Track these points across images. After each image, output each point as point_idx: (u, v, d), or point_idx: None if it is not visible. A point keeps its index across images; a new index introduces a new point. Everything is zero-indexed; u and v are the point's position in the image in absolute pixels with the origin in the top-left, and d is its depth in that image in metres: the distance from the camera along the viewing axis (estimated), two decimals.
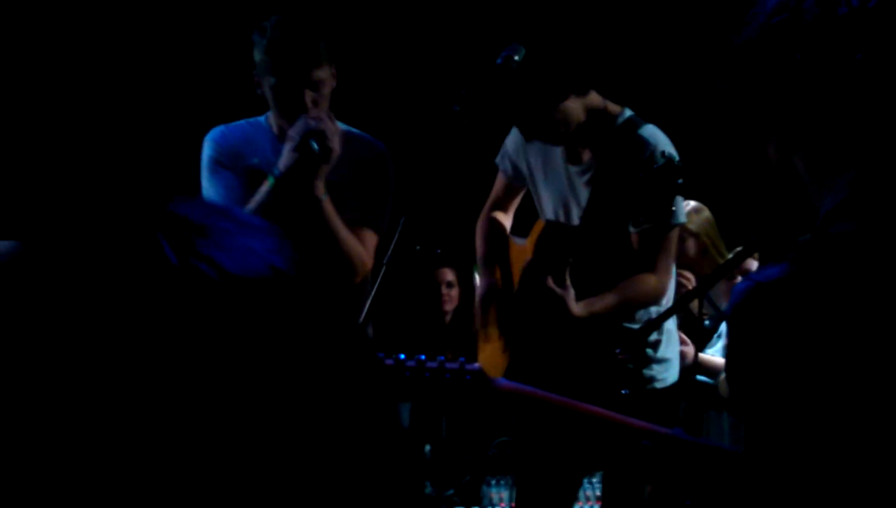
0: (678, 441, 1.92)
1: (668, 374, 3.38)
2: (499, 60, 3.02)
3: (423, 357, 2.05)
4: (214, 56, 5.50)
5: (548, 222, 3.42)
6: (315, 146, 3.07)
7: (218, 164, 3.25)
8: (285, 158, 3.12)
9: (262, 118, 3.34)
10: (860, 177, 1.27)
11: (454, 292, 5.97)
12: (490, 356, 3.49)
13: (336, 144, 3.10)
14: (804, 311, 1.17)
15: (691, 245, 4.26)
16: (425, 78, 5.82)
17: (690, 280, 4.13)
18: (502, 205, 3.66)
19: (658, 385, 3.35)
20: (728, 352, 1.23)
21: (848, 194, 1.27)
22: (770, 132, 1.34)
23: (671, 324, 3.44)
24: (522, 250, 3.54)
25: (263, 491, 0.67)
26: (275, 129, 3.28)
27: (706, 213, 4.38)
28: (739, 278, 4.20)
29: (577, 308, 3.18)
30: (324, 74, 3.14)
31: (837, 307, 1.17)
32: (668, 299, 3.38)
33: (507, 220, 3.68)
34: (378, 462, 0.72)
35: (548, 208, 3.40)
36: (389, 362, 2.07)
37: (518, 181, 3.55)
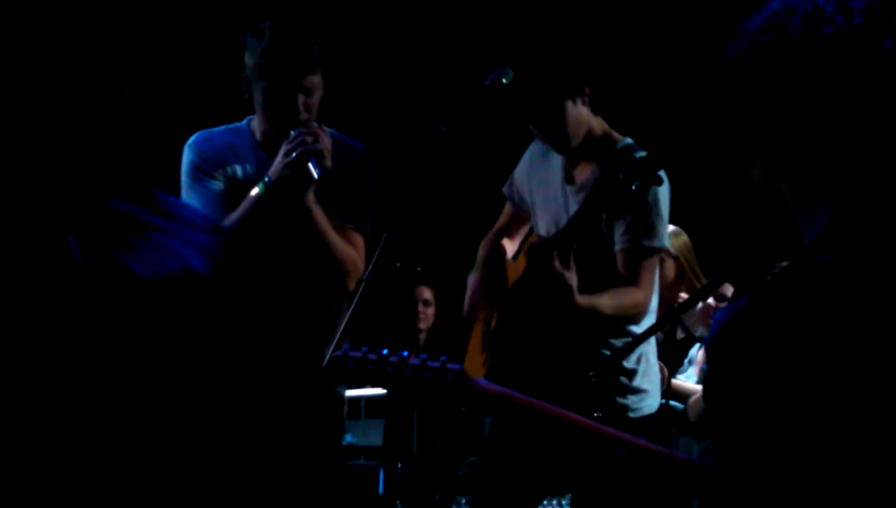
0: (651, 453, 1.96)
1: (643, 405, 3.34)
2: (487, 82, 3.04)
3: (405, 354, 2.06)
4: (195, 60, 5.49)
5: (539, 237, 3.44)
6: (315, 172, 3.06)
7: (199, 171, 3.22)
8: (278, 170, 3.10)
9: (242, 124, 3.31)
10: (843, 208, 1.28)
11: (430, 311, 5.96)
12: (472, 363, 3.50)
13: (330, 161, 3.10)
14: (780, 341, 1.18)
15: (669, 268, 4.29)
16: (412, 96, 5.85)
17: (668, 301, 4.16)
18: (507, 232, 3.67)
19: (632, 415, 3.31)
20: (706, 379, 1.24)
21: (830, 224, 1.27)
22: (754, 154, 1.34)
23: (653, 356, 3.42)
24: (516, 268, 3.57)
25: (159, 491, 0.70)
26: (258, 135, 3.26)
27: (684, 237, 4.43)
28: (710, 300, 4.25)
29: (580, 298, 3.14)
30: (317, 80, 3.15)
31: (812, 338, 1.18)
32: (650, 323, 3.35)
33: (510, 247, 3.68)
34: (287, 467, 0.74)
35: (542, 226, 3.44)
36: (372, 356, 2.08)
37: (522, 210, 3.58)
